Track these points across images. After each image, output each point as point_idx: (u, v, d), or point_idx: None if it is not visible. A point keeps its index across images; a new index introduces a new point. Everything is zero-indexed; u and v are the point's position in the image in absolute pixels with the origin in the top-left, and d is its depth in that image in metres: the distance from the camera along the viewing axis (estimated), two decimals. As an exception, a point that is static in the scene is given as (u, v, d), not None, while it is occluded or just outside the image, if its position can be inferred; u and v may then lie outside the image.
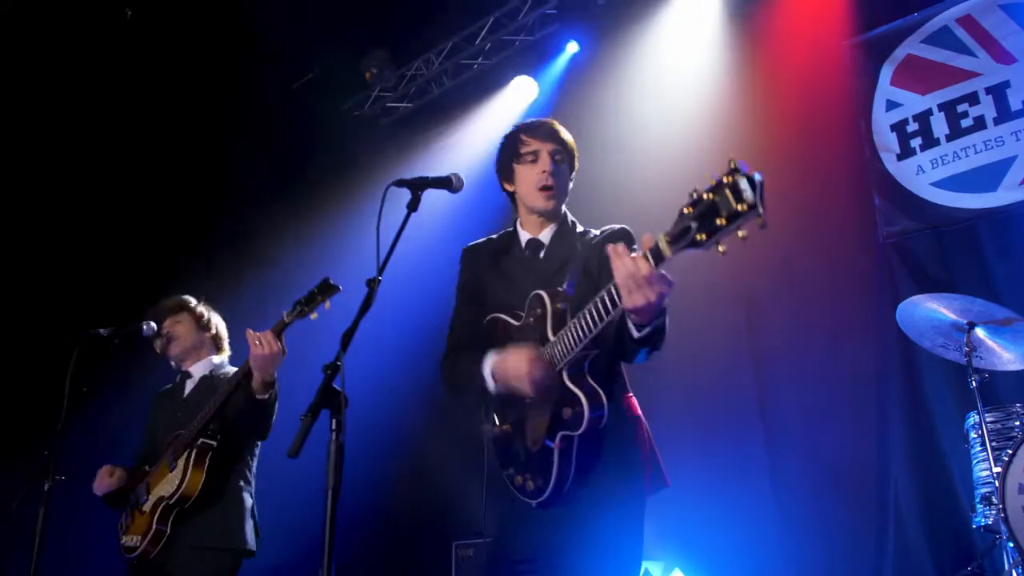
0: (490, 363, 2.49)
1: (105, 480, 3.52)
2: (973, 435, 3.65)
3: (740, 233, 1.84)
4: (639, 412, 2.57)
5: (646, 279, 2.04)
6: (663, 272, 2.04)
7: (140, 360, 3.56)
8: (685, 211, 1.91)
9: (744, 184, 1.81)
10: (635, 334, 2.24)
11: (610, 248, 2.11)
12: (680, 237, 1.93)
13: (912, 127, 4.72)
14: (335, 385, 2.04)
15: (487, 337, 2.61)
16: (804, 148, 4.93)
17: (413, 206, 2.44)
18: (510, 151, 2.69)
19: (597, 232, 2.68)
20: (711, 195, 1.86)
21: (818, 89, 4.98)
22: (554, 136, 2.67)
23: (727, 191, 1.83)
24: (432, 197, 2.68)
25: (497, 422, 2.56)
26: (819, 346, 4.72)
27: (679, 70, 5.35)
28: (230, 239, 6.68)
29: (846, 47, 5.00)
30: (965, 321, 3.63)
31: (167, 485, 3.39)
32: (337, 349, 2.10)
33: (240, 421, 3.39)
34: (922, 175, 4.65)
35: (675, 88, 5.29)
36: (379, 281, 2.25)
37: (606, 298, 2.18)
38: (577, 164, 2.74)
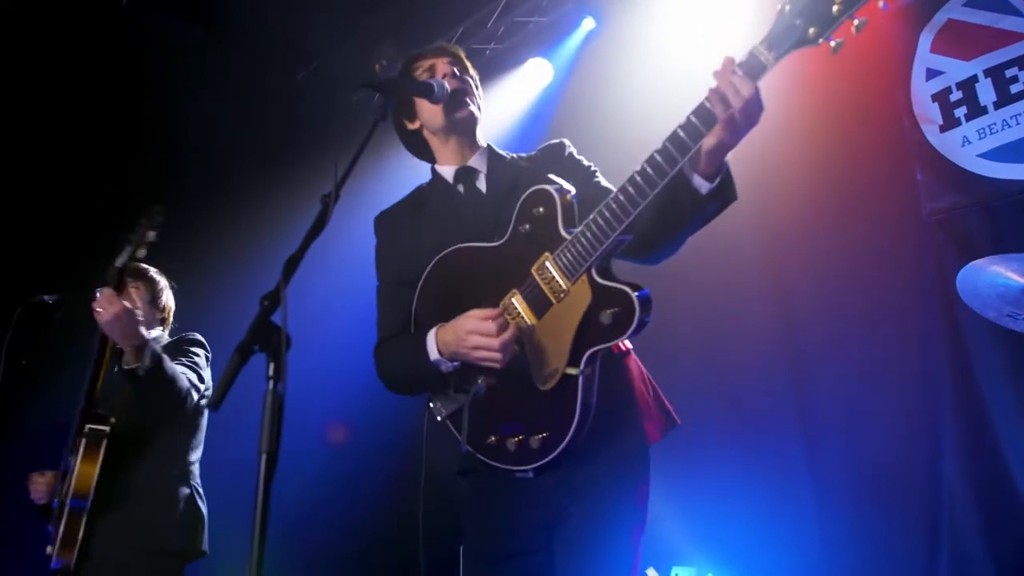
0: (432, 340, 2.14)
1: (36, 485, 3.18)
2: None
3: (856, 22, 1.61)
4: (630, 344, 2.23)
5: (746, 99, 1.80)
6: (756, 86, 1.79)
7: (89, 333, 3.18)
8: (785, 7, 1.70)
9: None
10: (704, 189, 1.92)
11: (726, 62, 1.86)
12: (784, 37, 1.71)
13: (956, 95, 4.39)
14: (274, 321, 1.60)
15: (444, 288, 2.20)
16: (839, 123, 4.62)
17: (383, 115, 2.03)
18: (405, 81, 2.36)
19: (532, 151, 2.40)
20: None
21: (852, 60, 4.63)
22: (443, 50, 2.41)
23: None
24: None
25: (474, 385, 2.15)
26: (860, 336, 4.38)
27: (703, 43, 5.05)
28: (231, 231, 6.47)
29: (880, 14, 4.68)
30: (1038, 286, 3.29)
31: (67, 483, 3.02)
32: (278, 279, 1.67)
33: (133, 401, 2.98)
34: (968, 146, 4.32)
35: (699, 62, 4.98)
36: (336, 198, 1.85)
37: (675, 141, 1.86)
38: (475, 75, 2.43)
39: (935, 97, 4.47)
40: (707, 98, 1.87)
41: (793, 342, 4.58)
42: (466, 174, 2.36)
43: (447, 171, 2.40)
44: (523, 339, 2.09)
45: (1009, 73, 4.20)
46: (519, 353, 2.10)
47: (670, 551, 4.23)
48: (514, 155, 2.45)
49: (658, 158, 1.89)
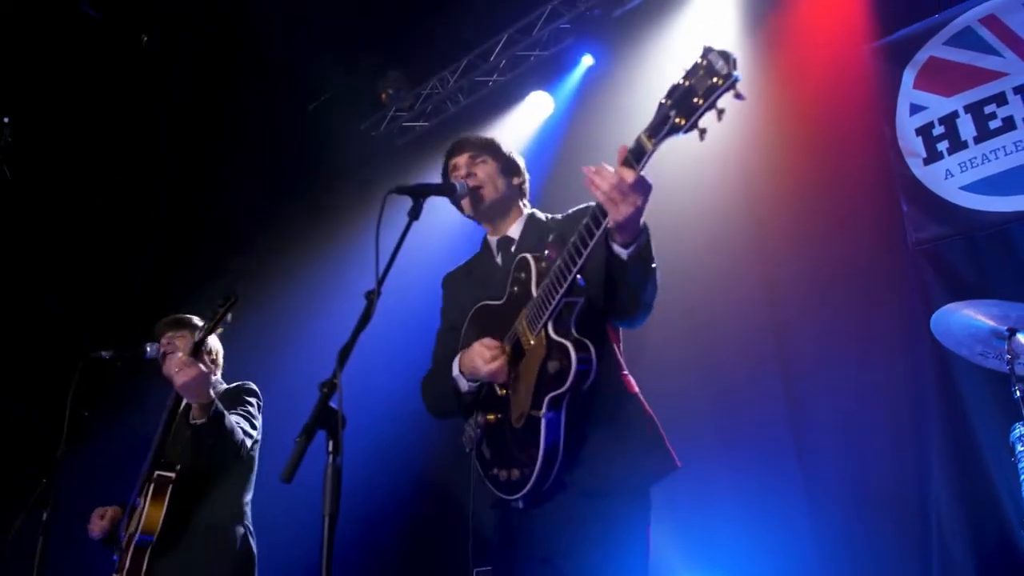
0: (456, 360, 2.50)
1: (96, 523, 3.45)
2: (1020, 448, 3.51)
3: (719, 106, 1.85)
4: (636, 390, 2.47)
5: (631, 186, 2.05)
6: (643, 176, 2.06)
7: (145, 383, 3.47)
8: (664, 102, 1.94)
9: (718, 60, 1.83)
10: (624, 255, 2.21)
11: (586, 169, 2.12)
12: (659, 127, 1.95)
13: (938, 130, 4.60)
14: (332, 404, 1.91)
15: (475, 331, 2.56)
16: (827, 156, 4.83)
17: (414, 214, 2.36)
18: (446, 179, 2.78)
19: (568, 211, 2.69)
20: (687, 80, 1.89)
21: (839, 95, 4.87)
22: (463, 145, 2.78)
23: (701, 72, 1.86)
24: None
25: (482, 416, 2.47)
26: (850, 358, 4.58)
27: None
28: (245, 259, 6.67)
29: (866, 52, 4.90)
30: (1005, 328, 3.50)
31: (135, 521, 3.30)
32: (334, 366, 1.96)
33: (195, 452, 3.26)
34: (951, 179, 4.53)
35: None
36: (378, 294, 2.13)
37: (588, 221, 2.16)
38: (515, 157, 2.79)
39: (919, 131, 4.68)
40: (595, 204, 2.16)
41: (786, 367, 4.78)
42: (505, 243, 2.73)
43: (492, 240, 2.79)
44: (507, 381, 2.40)
45: (988, 110, 4.42)
46: (506, 393, 2.39)
47: (669, 568, 4.41)
48: (550, 217, 2.75)
49: (577, 237, 2.21)
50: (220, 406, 3.24)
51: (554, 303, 2.27)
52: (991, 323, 3.54)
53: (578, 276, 2.25)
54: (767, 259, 4.88)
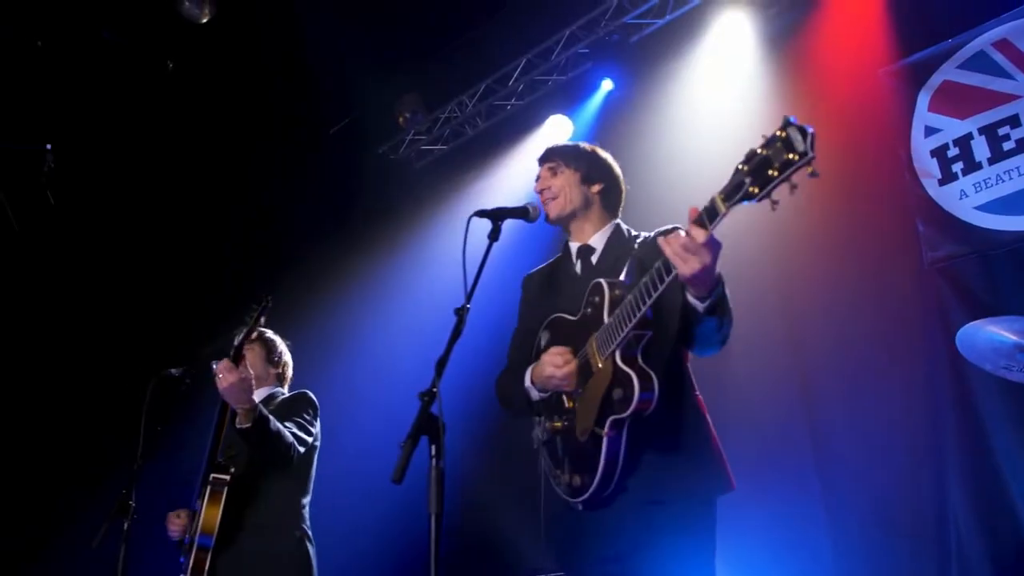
0: (529, 371, 2.62)
1: (174, 523, 3.57)
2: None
3: (793, 181, 1.92)
4: (705, 409, 2.59)
5: (701, 245, 2.12)
6: (713, 235, 2.13)
7: (214, 397, 3.63)
8: (740, 168, 2.02)
9: (796, 135, 1.90)
10: (700, 307, 2.28)
11: (660, 240, 2.21)
12: (734, 192, 2.03)
13: (953, 152, 4.71)
14: (433, 411, 2.10)
15: (548, 341, 2.68)
16: (844, 178, 4.92)
17: (494, 236, 2.55)
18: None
19: (651, 233, 2.75)
20: (764, 150, 1.96)
21: (856, 118, 4.99)
22: (548, 155, 2.87)
23: (779, 144, 1.93)
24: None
25: (548, 423, 2.60)
26: (868, 374, 4.67)
27: (715, 104, 5.40)
28: (270, 282, 6.80)
29: (882, 75, 5.03)
30: (1030, 341, 3.62)
31: (195, 523, 3.45)
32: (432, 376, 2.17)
33: (251, 455, 3.43)
34: (965, 199, 4.63)
35: (711, 122, 5.32)
36: (467, 309, 2.33)
37: (661, 268, 2.25)
38: (583, 163, 2.85)
39: (934, 153, 4.79)
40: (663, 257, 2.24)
41: (807, 384, 4.87)
42: (585, 251, 2.81)
43: (572, 247, 2.86)
44: (573, 395, 2.52)
45: (1002, 132, 4.53)
46: (572, 403, 2.51)
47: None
48: (633, 235, 2.83)
49: (648, 279, 2.31)
50: (263, 411, 3.37)
51: (623, 334, 2.38)
52: (1015, 338, 3.64)
53: (648, 311, 2.35)
54: (785, 277, 4.98)
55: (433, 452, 2.07)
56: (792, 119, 1.93)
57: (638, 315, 2.32)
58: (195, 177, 6.78)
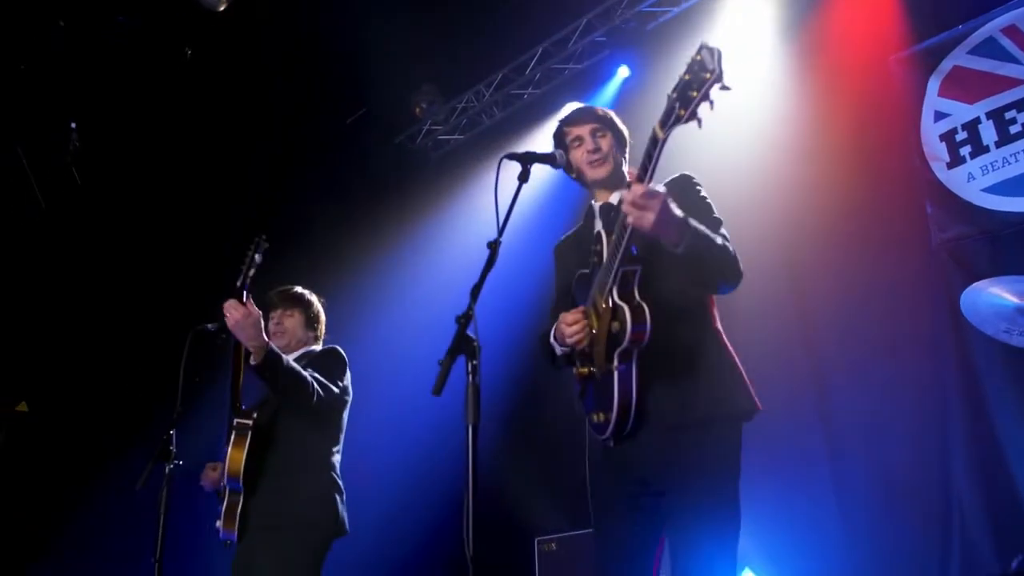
0: (553, 331, 2.80)
1: (208, 475, 3.69)
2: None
3: (710, 99, 2.17)
4: (727, 341, 2.71)
5: (641, 196, 2.34)
6: (650, 187, 2.35)
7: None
8: (670, 95, 2.25)
9: (707, 55, 2.14)
10: (678, 251, 2.47)
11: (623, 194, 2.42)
12: (667, 117, 2.27)
13: (961, 136, 4.82)
14: (469, 333, 2.30)
15: (574, 298, 2.83)
16: (856, 161, 5.04)
17: (523, 178, 2.66)
18: (561, 144, 2.96)
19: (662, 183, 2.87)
20: (687, 75, 2.20)
21: (868, 104, 5.10)
22: (590, 116, 2.94)
23: (696, 67, 2.17)
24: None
25: (576, 373, 2.75)
26: (877, 353, 4.77)
27: (731, 89, 5.50)
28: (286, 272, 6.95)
29: (893, 62, 5.14)
30: (1029, 304, 3.71)
31: (223, 467, 3.57)
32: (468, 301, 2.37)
33: (274, 401, 3.53)
34: (973, 182, 4.74)
35: (727, 106, 5.43)
36: (499, 243, 2.49)
37: (620, 220, 2.47)
38: (623, 128, 2.98)
39: (943, 137, 4.90)
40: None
41: (816, 363, 5.00)
42: (606, 210, 2.92)
43: (595, 207, 2.98)
44: (592, 338, 2.67)
45: (1008, 115, 4.63)
46: (591, 348, 2.67)
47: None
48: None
49: (617, 228, 2.51)
50: (274, 348, 3.45)
51: (613, 272, 2.55)
52: (1015, 300, 3.74)
53: (632, 247, 2.52)
54: (796, 255, 5.10)
55: (469, 370, 2.26)
56: (705, 43, 2.15)
57: (620, 252, 2.49)
58: (207, 167, 6.94)
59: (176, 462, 3.44)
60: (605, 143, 2.89)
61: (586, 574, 4.21)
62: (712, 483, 2.52)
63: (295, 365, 3.51)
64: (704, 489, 2.51)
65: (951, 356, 4.59)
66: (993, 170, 4.65)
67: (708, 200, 2.82)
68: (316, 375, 3.57)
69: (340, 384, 3.71)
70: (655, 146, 2.32)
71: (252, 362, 3.39)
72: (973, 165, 4.74)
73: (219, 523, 3.57)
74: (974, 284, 3.88)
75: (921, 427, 4.58)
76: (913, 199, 4.91)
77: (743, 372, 2.67)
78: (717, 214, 2.77)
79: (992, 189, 4.65)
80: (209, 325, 3.73)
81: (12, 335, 6.33)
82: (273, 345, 3.46)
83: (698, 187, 2.83)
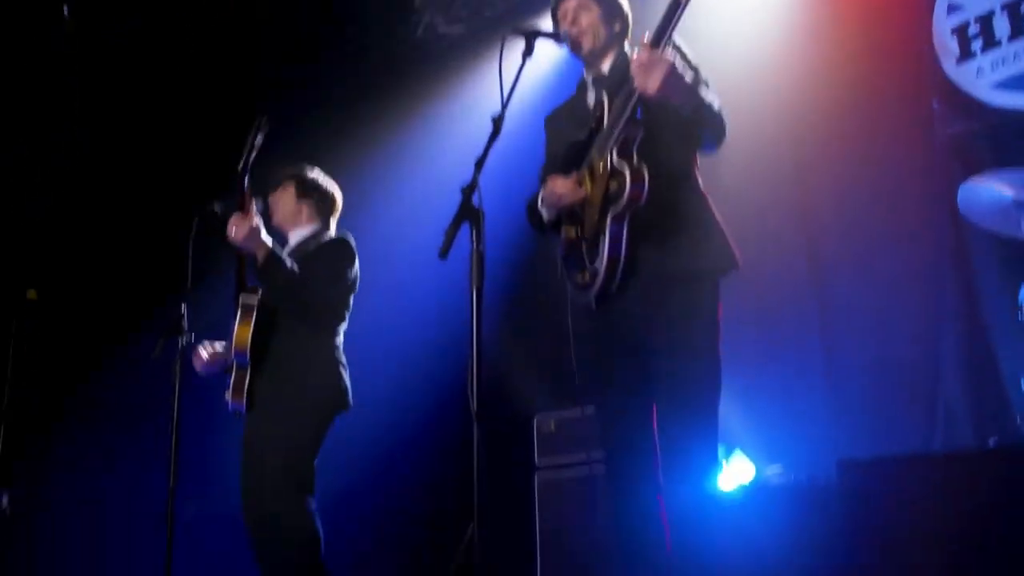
0: (540, 196, 2.90)
1: (199, 357, 3.77)
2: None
3: None
4: (711, 203, 2.82)
5: (648, 60, 2.45)
6: (657, 52, 2.46)
7: None
8: None
9: None
10: (685, 111, 2.59)
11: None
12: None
13: (973, 29, 4.77)
14: (473, 202, 2.43)
15: (566, 165, 2.89)
16: (865, 56, 5.00)
17: (528, 52, 2.71)
18: (555, 20, 3.02)
19: None
20: None
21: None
22: None
23: None
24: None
25: (564, 236, 2.85)
26: (876, 247, 4.85)
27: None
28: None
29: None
30: (1025, 195, 3.76)
31: (230, 343, 3.69)
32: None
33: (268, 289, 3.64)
34: (982, 77, 4.71)
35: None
36: (503, 117, 2.57)
37: (628, 84, 2.57)
38: (604, 2, 2.98)
39: (954, 31, 4.86)
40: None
41: (816, 253, 5.09)
42: (598, 81, 2.99)
43: (588, 79, 3.04)
44: (584, 200, 2.76)
45: (1024, 8, 4.56)
46: (582, 211, 2.76)
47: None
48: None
49: (626, 87, 2.59)
50: (277, 251, 3.55)
51: (616, 134, 2.63)
52: (1014, 193, 3.78)
53: (638, 110, 2.59)
54: (798, 146, 5.12)
55: (473, 237, 2.39)
56: None
57: (624, 116, 2.57)
58: (211, 49, 6.84)
59: (188, 336, 3.52)
60: (586, 18, 2.91)
61: (584, 450, 4.34)
62: (691, 333, 2.66)
63: (293, 270, 3.56)
64: (684, 339, 2.64)
65: (948, 251, 4.68)
66: (1003, 64, 4.63)
67: (695, 63, 2.87)
68: (321, 271, 3.66)
69: (343, 280, 3.78)
70: (676, 8, 2.40)
71: (259, 264, 3.54)
72: (983, 59, 4.71)
73: (228, 395, 3.69)
74: (973, 178, 3.91)
75: (915, 313, 4.70)
76: (921, 95, 4.90)
77: (722, 227, 2.78)
78: (704, 76, 2.81)
79: (1001, 84, 4.63)
80: (216, 205, 3.78)
81: (16, 223, 6.35)
82: (278, 250, 3.54)
83: (684, 51, 2.87)
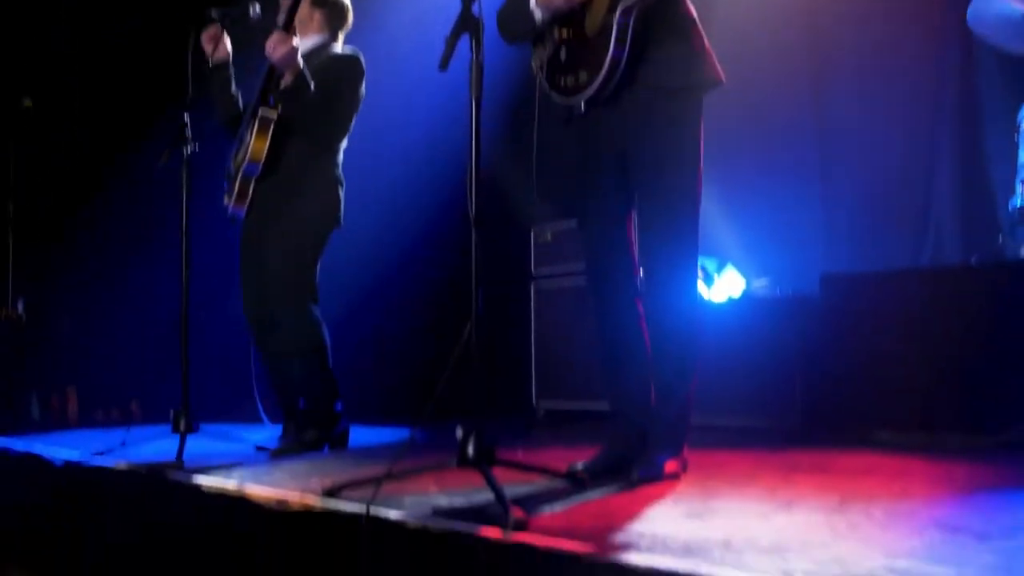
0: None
1: (208, 43, 3.80)
2: (1024, 126, 3.81)
3: None
4: (701, 30, 2.75)
5: None
6: None
7: (251, 43, 3.81)
8: None
9: None
10: None
11: None
12: None
13: None
14: (473, 12, 2.37)
15: None
16: None
17: None
18: None
19: None
20: None
21: None
22: None
23: None
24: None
25: (556, 34, 2.75)
26: (880, 64, 4.81)
27: None
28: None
29: None
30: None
31: (242, 152, 3.73)
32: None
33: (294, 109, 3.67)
34: None
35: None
36: None
37: None
38: None
39: None
40: None
41: (818, 67, 5.06)
42: None
43: None
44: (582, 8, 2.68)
45: None
46: (584, 7, 2.68)
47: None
48: None
49: None
50: (307, 74, 3.58)
51: None
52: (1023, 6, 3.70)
53: None
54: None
55: (472, 47, 2.34)
56: None
57: None
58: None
59: (192, 145, 3.55)
60: None
61: (579, 261, 4.45)
62: (677, 146, 2.67)
63: (316, 98, 3.62)
64: (670, 151, 2.67)
65: (952, 67, 4.67)
66: None
67: None
68: (333, 86, 3.69)
69: (350, 96, 3.80)
70: None
71: (285, 83, 3.56)
72: None
73: (229, 200, 3.78)
74: None
75: (914, 131, 4.74)
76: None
77: (708, 45, 2.74)
78: None
79: None
80: (213, 12, 3.71)
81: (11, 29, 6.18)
82: (307, 73, 3.57)
83: None
